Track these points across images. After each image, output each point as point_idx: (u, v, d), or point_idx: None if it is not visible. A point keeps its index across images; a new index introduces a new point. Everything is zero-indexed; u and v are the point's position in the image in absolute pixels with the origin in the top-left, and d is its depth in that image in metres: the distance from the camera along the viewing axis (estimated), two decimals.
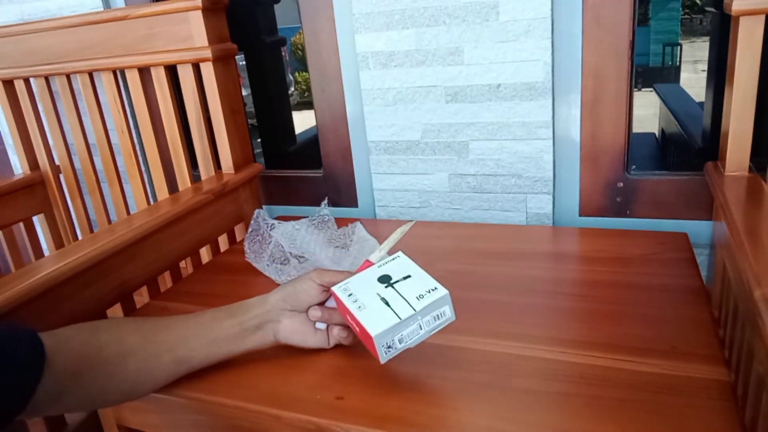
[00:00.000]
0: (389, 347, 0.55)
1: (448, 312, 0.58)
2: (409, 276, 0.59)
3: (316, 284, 0.65)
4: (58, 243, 1.43)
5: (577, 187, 1.07)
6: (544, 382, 0.61)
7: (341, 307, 0.61)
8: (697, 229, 0.97)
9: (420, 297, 0.56)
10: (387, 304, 0.56)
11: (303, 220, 0.94)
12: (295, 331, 0.65)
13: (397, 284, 0.59)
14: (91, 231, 1.41)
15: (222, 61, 1.08)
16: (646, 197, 1.04)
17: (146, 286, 0.92)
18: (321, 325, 0.66)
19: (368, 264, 0.65)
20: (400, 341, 0.55)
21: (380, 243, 0.68)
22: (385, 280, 0.60)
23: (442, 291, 0.57)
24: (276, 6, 1.62)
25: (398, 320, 0.54)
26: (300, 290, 0.65)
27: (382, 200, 1.19)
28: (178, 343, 0.63)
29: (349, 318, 0.60)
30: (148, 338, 0.62)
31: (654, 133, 2.33)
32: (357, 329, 0.59)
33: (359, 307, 0.57)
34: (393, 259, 0.63)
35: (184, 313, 0.67)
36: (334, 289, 0.61)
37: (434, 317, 0.56)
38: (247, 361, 0.68)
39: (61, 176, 1.39)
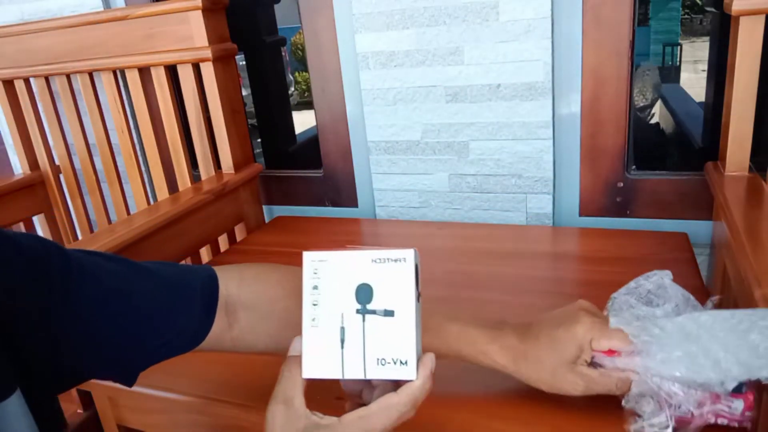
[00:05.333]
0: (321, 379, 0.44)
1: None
2: (392, 314, 0.43)
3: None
4: None
5: (577, 187, 1.07)
6: None
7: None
8: (697, 229, 0.97)
9: (381, 362, 0.42)
10: (342, 344, 0.43)
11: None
12: None
13: (371, 316, 0.43)
14: (91, 231, 1.41)
15: (222, 61, 1.08)
16: (646, 197, 1.04)
17: None
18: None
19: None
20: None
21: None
22: (364, 296, 0.43)
23: (411, 372, 0.42)
24: (276, 6, 1.62)
25: (340, 376, 0.43)
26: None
27: (382, 200, 1.19)
28: None
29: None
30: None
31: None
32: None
33: (312, 320, 0.43)
34: (396, 260, 0.44)
35: None
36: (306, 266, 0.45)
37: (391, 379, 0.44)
38: (248, 361, 0.68)
39: (61, 176, 1.39)
